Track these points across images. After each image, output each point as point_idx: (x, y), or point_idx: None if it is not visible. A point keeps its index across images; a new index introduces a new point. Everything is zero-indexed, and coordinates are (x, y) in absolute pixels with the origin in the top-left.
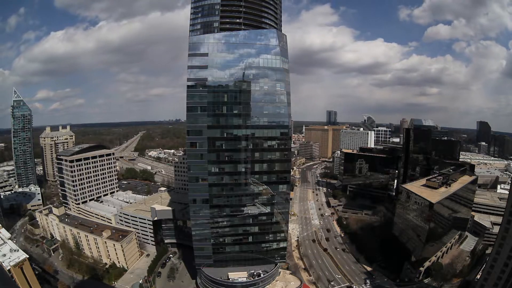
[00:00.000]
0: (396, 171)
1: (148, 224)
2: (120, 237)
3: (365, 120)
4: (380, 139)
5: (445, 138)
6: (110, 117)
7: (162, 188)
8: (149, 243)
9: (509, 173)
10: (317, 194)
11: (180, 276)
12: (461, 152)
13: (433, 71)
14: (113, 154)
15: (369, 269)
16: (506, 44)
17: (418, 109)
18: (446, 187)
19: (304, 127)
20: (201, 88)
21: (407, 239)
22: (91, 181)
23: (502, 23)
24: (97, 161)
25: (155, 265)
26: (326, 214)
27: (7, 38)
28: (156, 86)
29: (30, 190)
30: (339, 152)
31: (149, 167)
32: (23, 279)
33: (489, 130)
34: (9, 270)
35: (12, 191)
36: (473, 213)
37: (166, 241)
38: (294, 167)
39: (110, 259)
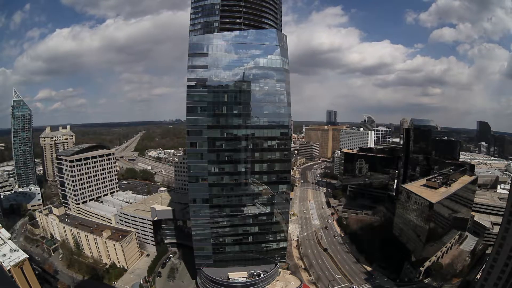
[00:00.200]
0: (396, 171)
1: (148, 224)
2: (120, 237)
3: (365, 120)
4: (380, 139)
5: (445, 138)
6: (111, 117)
7: (162, 188)
8: (149, 243)
9: (509, 173)
10: (317, 194)
11: (180, 276)
12: (461, 152)
13: (436, 72)
14: (113, 154)
15: (369, 269)
16: (508, 47)
17: (420, 109)
18: (446, 187)
19: (304, 127)
20: (201, 88)
21: (407, 239)
22: (91, 181)
23: (506, 27)
24: (97, 161)
25: (155, 265)
26: (326, 214)
27: (11, 35)
28: (159, 85)
29: (30, 190)
30: (339, 152)
31: (149, 167)
32: (23, 279)
33: (489, 130)
34: (9, 270)
35: (12, 191)
36: (473, 213)
37: (166, 241)
38: (294, 167)
39: (110, 259)
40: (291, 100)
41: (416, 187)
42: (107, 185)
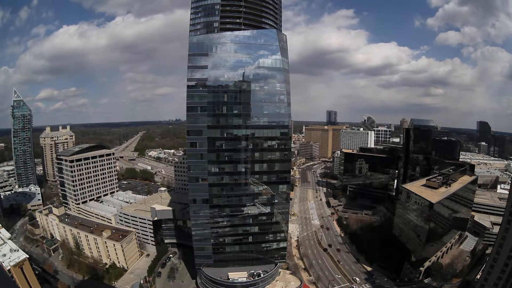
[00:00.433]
0: (396, 171)
1: (148, 224)
2: (120, 237)
3: (365, 120)
4: (380, 139)
5: (445, 138)
6: (112, 117)
7: (162, 188)
8: (149, 243)
9: (509, 173)
10: (317, 194)
11: (180, 276)
12: (461, 152)
13: (440, 73)
14: (113, 154)
15: (369, 269)
16: (511, 50)
17: (421, 109)
18: (446, 187)
19: (304, 127)
20: (201, 88)
21: (407, 239)
22: (91, 181)
23: (509, 31)
24: (97, 161)
25: (155, 265)
26: (326, 214)
27: (16, 32)
28: (163, 85)
29: (30, 190)
30: (339, 152)
31: (149, 167)
32: (23, 279)
33: (489, 130)
34: (9, 270)
35: (12, 191)
36: (473, 213)
37: (166, 241)
38: (294, 167)
39: (110, 259)
40: (291, 100)
41: (416, 187)
42: (107, 185)
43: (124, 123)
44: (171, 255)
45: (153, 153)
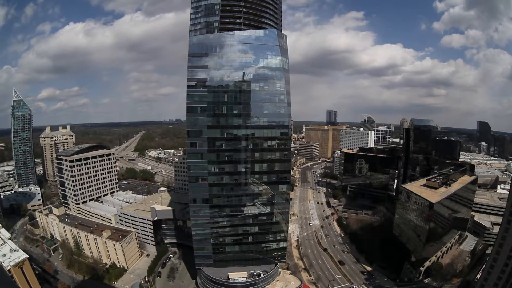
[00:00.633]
0: (396, 171)
1: (148, 224)
2: (120, 237)
3: (365, 120)
4: (380, 139)
5: (445, 138)
6: (113, 117)
7: (162, 188)
8: (149, 243)
9: (509, 173)
10: (317, 194)
11: (180, 276)
12: (461, 152)
13: (443, 73)
14: (113, 154)
15: (369, 269)
16: None
17: (423, 109)
18: (446, 187)
19: (304, 127)
20: (201, 88)
21: (407, 239)
22: (91, 181)
23: (511, 34)
24: (97, 161)
25: (155, 265)
26: (326, 214)
27: (20, 30)
28: (167, 85)
29: (30, 190)
30: (339, 152)
31: (149, 167)
32: (23, 279)
33: (489, 130)
34: (9, 270)
35: (12, 191)
36: (473, 213)
37: (166, 241)
38: (294, 167)
39: (110, 259)
40: (291, 100)
41: (416, 187)
42: (107, 185)
43: (124, 123)
44: (171, 255)
45: (153, 153)
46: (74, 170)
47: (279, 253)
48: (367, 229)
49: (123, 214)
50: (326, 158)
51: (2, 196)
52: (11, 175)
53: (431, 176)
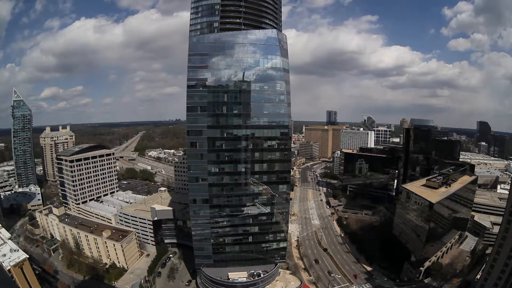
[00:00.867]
0: (396, 171)
1: (148, 224)
2: (120, 237)
3: (365, 120)
4: (380, 139)
5: (445, 138)
6: (114, 117)
7: (162, 188)
8: (149, 243)
9: (509, 173)
10: (317, 194)
11: (180, 276)
12: (461, 152)
13: (448, 75)
14: (113, 154)
15: (369, 269)
16: None
17: (425, 110)
18: (446, 187)
19: (304, 127)
20: (201, 88)
21: (407, 239)
22: (91, 181)
23: None
24: (97, 161)
25: (155, 265)
26: (326, 214)
27: (23, 27)
28: (173, 84)
29: (30, 190)
30: (339, 152)
31: (149, 167)
32: (23, 279)
33: (489, 130)
34: (9, 270)
35: (12, 191)
36: (473, 213)
37: (166, 241)
38: (294, 167)
39: (110, 259)
40: (291, 100)
41: (416, 187)
42: (107, 185)
43: (124, 123)
44: (171, 255)
45: (153, 153)
46: (74, 170)
47: (279, 253)
48: (367, 229)
49: (123, 214)
50: (326, 158)
51: (2, 196)
52: (11, 175)
53: (431, 176)
